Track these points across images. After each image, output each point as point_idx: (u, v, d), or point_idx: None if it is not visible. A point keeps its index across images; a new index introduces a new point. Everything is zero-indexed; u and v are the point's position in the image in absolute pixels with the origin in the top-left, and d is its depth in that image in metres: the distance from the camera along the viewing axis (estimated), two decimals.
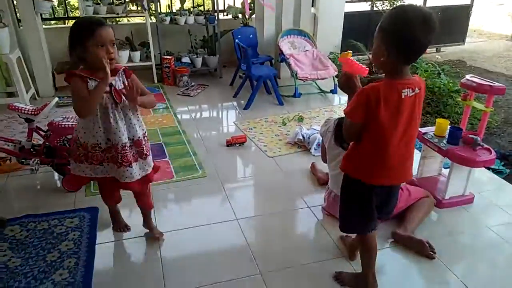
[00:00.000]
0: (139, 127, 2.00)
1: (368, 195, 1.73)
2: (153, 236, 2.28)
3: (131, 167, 1.96)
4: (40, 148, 2.70)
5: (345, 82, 1.75)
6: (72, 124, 2.62)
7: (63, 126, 2.63)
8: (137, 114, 1.99)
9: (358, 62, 1.70)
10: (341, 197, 1.84)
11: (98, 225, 2.38)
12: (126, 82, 1.92)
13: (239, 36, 4.75)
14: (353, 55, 1.74)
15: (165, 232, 2.32)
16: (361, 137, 1.62)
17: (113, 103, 1.87)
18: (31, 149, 2.71)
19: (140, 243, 2.27)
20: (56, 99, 2.91)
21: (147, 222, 2.32)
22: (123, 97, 1.88)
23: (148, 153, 2.05)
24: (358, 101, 1.54)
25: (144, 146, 2.01)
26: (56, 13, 5.75)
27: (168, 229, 2.35)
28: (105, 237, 2.30)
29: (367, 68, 1.69)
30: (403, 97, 1.52)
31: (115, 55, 1.82)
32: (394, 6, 1.56)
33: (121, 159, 1.93)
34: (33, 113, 2.63)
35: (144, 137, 2.02)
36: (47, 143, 2.69)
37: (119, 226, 2.36)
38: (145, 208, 2.28)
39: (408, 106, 1.54)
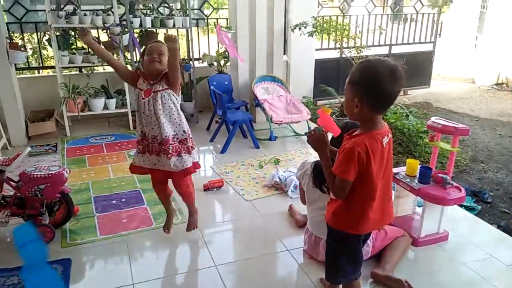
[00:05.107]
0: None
1: (357, 244, 1.76)
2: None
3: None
4: (11, 199, 2.62)
5: (317, 141, 1.67)
6: (44, 174, 2.57)
7: (35, 176, 2.57)
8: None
9: (334, 121, 1.67)
10: (329, 250, 1.84)
11: (71, 277, 2.29)
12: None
13: (214, 83, 4.88)
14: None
15: (144, 282, 2.25)
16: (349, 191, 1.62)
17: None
18: (1, 201, 2.62)
19: None
20: (29, 148, 2.88)
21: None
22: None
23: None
24: (349, 160, 1.54)
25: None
26: (31, 63, 5.76)
27: (146, 279, 2.28)
28: None
29: (339, 130, 1.68)
30: (384, 146, 1.59)
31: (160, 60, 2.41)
32: (361, 60, 1.63)
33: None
34: (4, 163, 2.57)
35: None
36: (18, 194, 2.62)
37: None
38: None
39: (387, 153, 1.62)
